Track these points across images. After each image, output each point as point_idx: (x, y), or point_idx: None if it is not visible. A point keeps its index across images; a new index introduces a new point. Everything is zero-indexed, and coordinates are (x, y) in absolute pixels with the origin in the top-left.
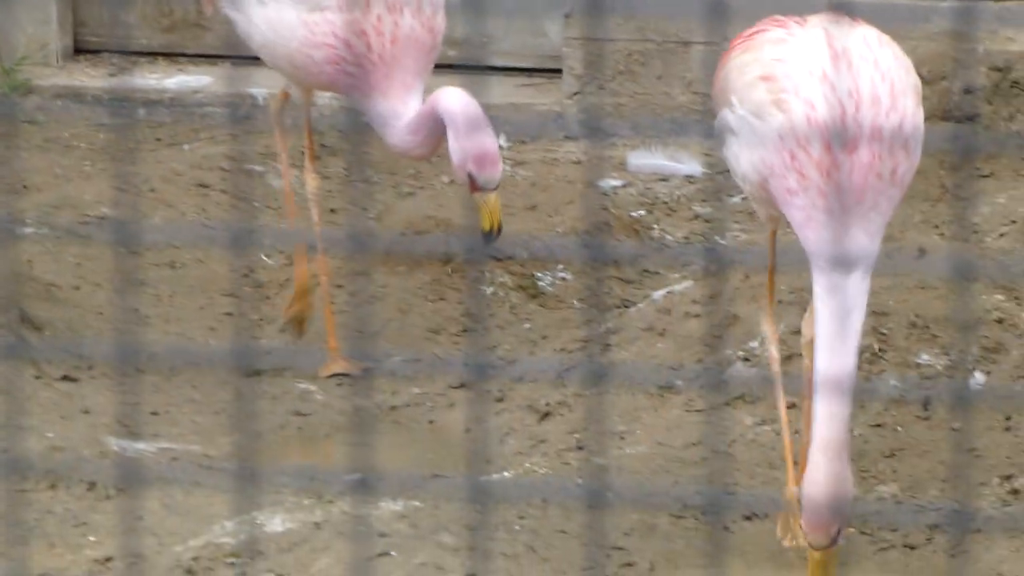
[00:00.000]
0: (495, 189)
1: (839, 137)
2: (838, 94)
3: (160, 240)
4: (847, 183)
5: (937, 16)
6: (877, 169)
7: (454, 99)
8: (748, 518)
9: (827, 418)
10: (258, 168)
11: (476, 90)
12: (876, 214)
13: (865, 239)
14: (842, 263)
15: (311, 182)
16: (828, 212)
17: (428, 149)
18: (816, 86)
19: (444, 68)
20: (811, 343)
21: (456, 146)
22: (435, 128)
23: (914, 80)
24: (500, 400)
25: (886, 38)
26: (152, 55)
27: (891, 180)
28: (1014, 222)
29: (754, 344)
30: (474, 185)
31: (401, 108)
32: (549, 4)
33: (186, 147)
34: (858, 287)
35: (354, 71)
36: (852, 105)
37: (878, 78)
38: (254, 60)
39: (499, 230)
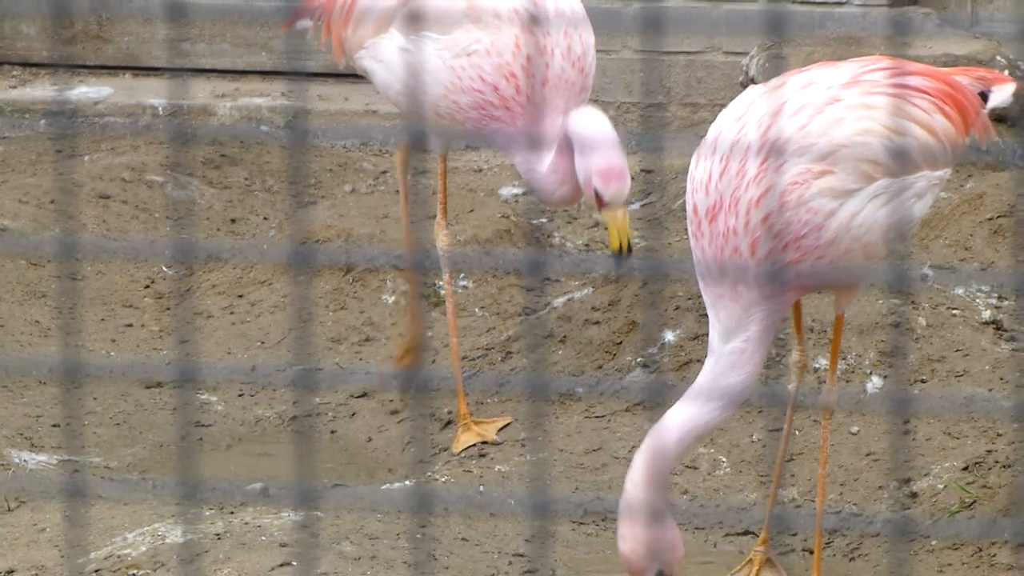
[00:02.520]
0: (623, 206)
1: (703, 204)
2: (716, 155)
3: (61, 252)
4: (708, 251)
5: (832, 22)
6: (734, 243)
7: (580, 118)
8: None
9: (646, 467)
10: (158, 179)
11: (376, 99)
12: (742, 290)
13: (738, 311)
14: (717, 330)
15: (443, 239)
16: (700, 276)
17: (572, 187)
18: (711, 145)
19: (344, 77)
20: (798, 366)
21: (581, 163)
22: (571, 159)
23: (815, 159)
24: (402, 409)
25: (829, 114)
26: (52, 67)
27: (750, 255)
28: None
29: (653, 350)
30: (600, 202)
31: (546, 153)
32: None
33: (87, 158)
34: (730, 358)
35: (501, 115)
36: (719, 170)
37: (757, 150)
38: (154, 71)
39: (629, 250)
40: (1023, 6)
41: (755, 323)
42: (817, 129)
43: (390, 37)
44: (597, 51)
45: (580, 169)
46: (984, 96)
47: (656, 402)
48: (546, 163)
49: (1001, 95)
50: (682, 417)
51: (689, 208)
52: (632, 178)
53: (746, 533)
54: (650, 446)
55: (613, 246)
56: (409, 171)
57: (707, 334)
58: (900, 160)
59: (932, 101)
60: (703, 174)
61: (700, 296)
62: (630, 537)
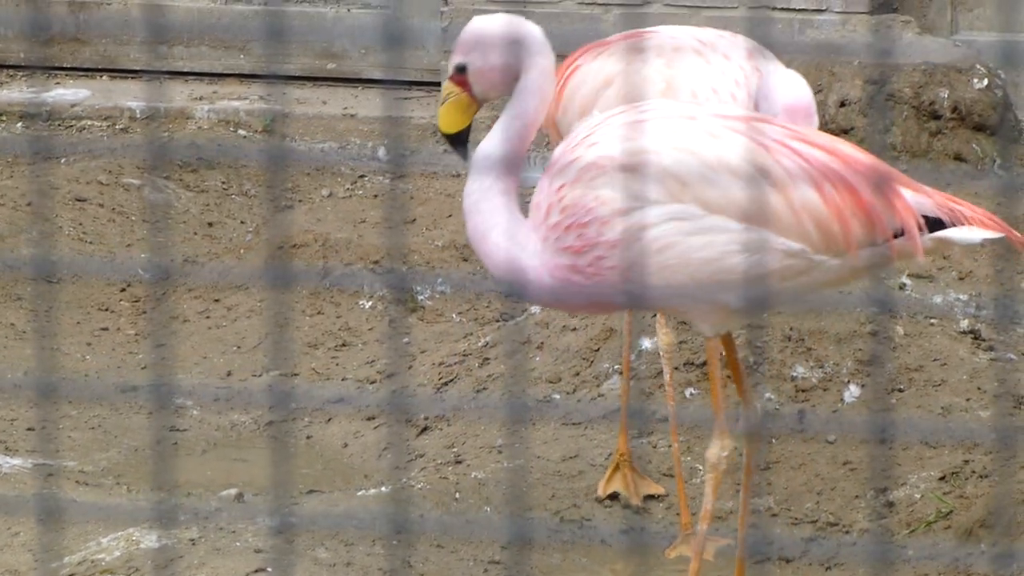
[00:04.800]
0: None
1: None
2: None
3: (37, 267)
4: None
5: (812, 30)
6: (537, 200)
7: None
8: (625, 532)
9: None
10: (135, 182)
11: (354, 103)
12: None
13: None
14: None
15: (663, 337)
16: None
17: None
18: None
19: (321, 80)
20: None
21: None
22: None
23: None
24: (378, 415)
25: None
26: (29, 68)
27: (542, 219)
28: None
29: (631, 357)
30: None
31: None
32: (427, 16)
33: (63, 161)
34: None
35: None
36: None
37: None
38: (132, 74)
39: None
40: (1004, 15)
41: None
42: (647, 129)
43: None
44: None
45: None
46: (939, 222)
47: (633, 409)
48: None
49: (968, 235)
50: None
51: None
52: None
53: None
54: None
55: None
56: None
57: (685, 341)
58: (719, 196)
59: (809, 171)
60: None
61: None
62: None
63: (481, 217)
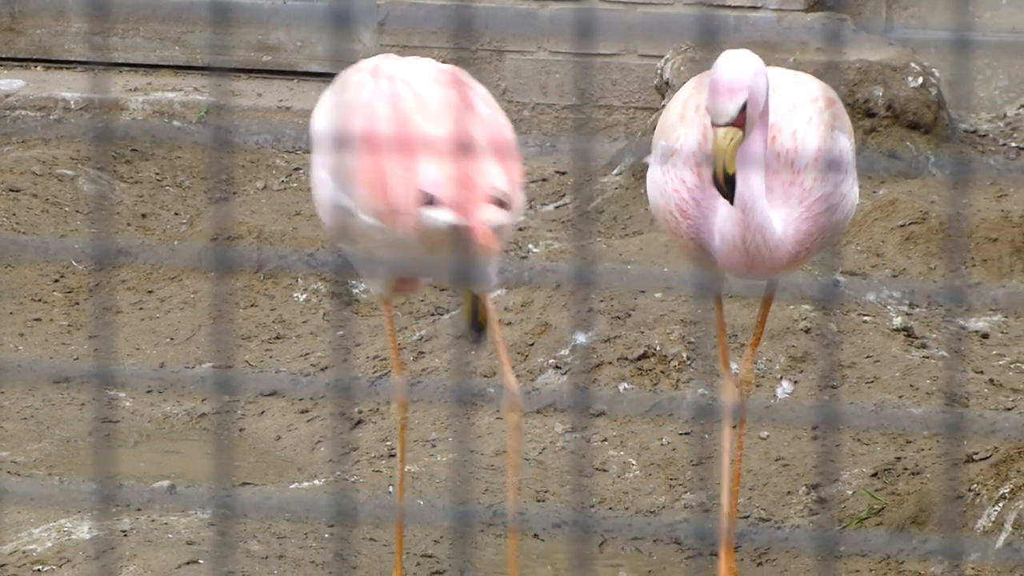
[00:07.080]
0: (722, 125)
1: None
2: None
3: None
4: None
5: (747, 27)
6: None
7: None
8: (558, 525)
9: None
10: (69, 173)
11: (290, 96)
12: None
13: None
14: None
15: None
16: None
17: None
18: None
19: (257, 73)
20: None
21: None
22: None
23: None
24: (312, 408)
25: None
26: None
27: None
28: None
29: (564, 352)
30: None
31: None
32: (363, 10)
33: None
34: None
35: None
36: None
37: None
38: (67, 64)
39: (726, 179)
40: (938, 14)
41: None
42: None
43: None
44: (513, 52)
45: None
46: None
47: (567, 404)
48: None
49: (439, 216)
50: None
51: None
52: (545, 179)
53: (656, 540)
54: None
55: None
56: None
57: (620, 336)
58: (318, 150)
59: (363, 131)
60: None
61: (613, 299)
62: None
63: None
